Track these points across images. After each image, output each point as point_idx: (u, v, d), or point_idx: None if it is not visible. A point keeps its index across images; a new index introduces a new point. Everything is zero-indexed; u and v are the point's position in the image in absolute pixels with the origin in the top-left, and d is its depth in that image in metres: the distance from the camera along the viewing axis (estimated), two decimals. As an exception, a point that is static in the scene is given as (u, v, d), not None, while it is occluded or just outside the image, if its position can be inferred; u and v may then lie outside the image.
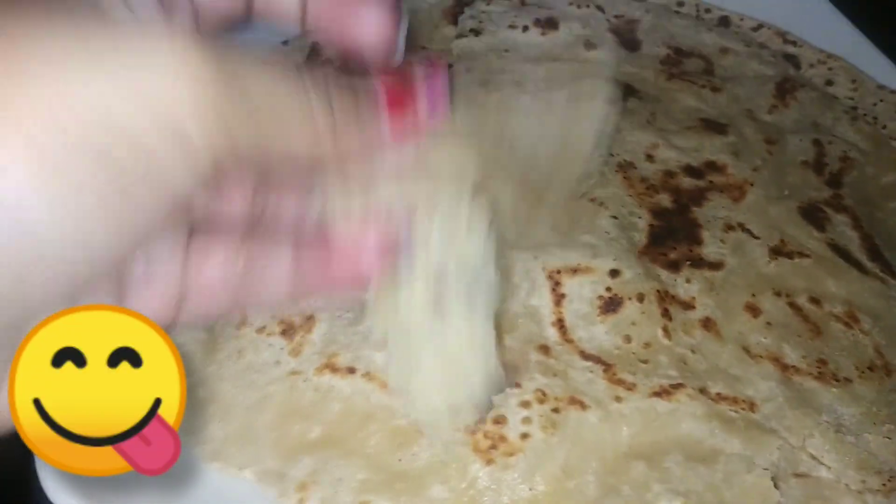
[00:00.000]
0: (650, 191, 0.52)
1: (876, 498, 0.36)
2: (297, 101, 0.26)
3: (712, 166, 0.55)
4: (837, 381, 0.42)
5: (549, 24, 0.69)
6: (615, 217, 0.49)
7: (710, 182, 0.54)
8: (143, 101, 0.23)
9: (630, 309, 0.43)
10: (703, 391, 0.40)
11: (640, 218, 0.50)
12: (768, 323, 0.45)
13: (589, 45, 0.68)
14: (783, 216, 0.52)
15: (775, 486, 0.36)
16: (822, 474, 0.38)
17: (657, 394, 0.39)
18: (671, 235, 0.49)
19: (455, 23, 0.70)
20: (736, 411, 0.39)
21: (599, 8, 0.71)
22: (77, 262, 0.24)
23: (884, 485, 0.37)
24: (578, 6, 0.71)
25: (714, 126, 0.59)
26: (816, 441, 0.39)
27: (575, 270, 0.44)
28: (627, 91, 0.61)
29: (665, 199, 0.52)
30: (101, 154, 0.23)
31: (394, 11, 0.31)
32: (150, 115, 0.23)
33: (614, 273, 0.44)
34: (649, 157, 0.55)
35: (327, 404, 0.39)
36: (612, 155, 0.54)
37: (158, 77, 0.23)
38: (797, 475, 0.37)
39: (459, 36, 0.69)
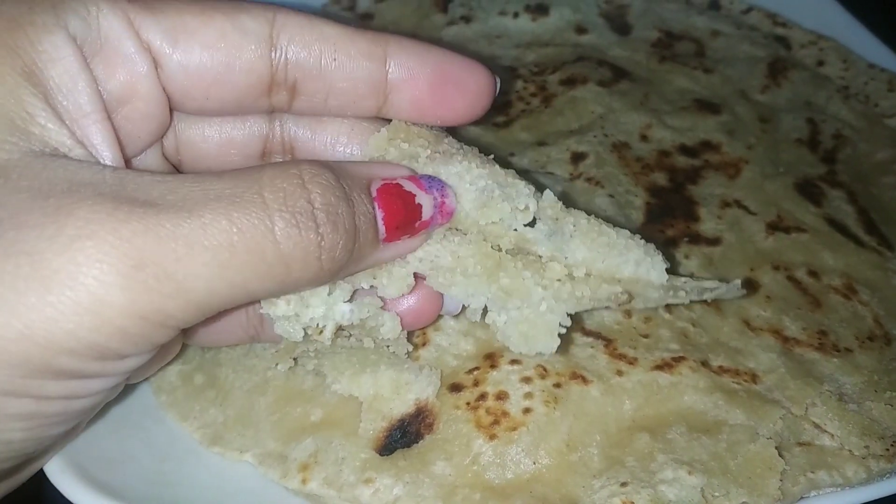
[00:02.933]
0: (646, 170, 0.52)
1: (879, 463, 0.36)
2: (257, 259, 0.25)
3: (707, 145, 0.55)
4: (838, 351, 0.42)
5: (540, 9, 0.69)
6: (611, 196, 0.49)
7: (705, 160, 0.54)
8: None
9: (629, 285, 0.43)
10: (704, 364, 0.40)
11: (636, 196, 0.50)
12: (767, 296, 0.45)
13: (580, 29, 0.68)
14: (779, 192, 0.52)
15: (779, 454, 0.35)
16: (825, 442, 0.37)
17: (659, 367, 0.39)
18: (668, 213, 0.49)
19: (445, 10, 0.70)
20: (738, 383, 0.39)
21: (590, -7, 0.72)
22: None
23: (887, 450, 0.37)
24: (568, -8, 0.71)
25: (707, 106, 0.59)
26: (819, 410, 0.38)
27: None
28: (619, 73, 0.61)
29: (661, 178, 0.52)
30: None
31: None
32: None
33: (612, 250, 0.44)
34: (644, 137, 0.55)
35: (329, 387, 0.39)
36: (606, 135, 0.54)
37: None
38: (800, 444, 0.37)
39: (450, 24, 0.69)
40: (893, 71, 0.65)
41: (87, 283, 0.23)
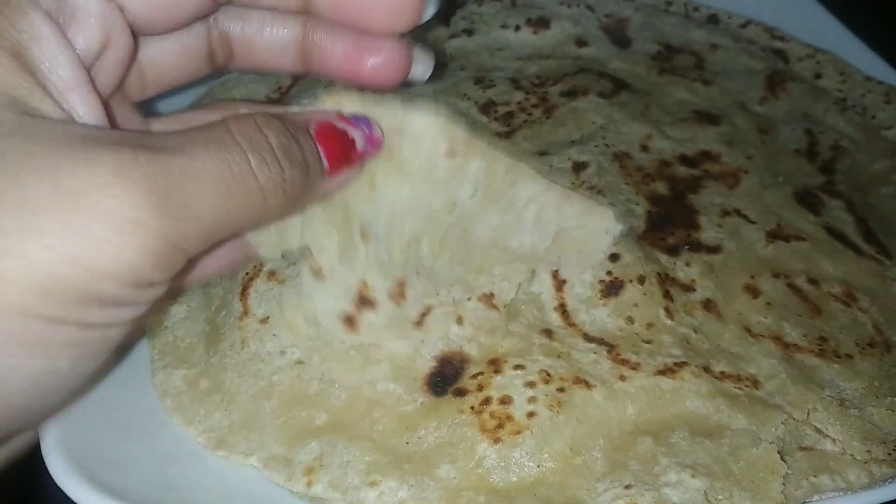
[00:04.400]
0: (646, 179, 0.53)
1: (881, 468, 0.36)
2: (244, 190, 0.30)
3: (706, 155, 0.56)
4: (839, 357, 0.42)
5: (541, 23, 0.70)
6: (613, 204, 0.49)
7: (705, 170, 0.55)
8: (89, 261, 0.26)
9: (631, 291, 0.43)
10: (706, 369, 0.40)
11: (637, 205, 0.50)
12: (768, 303, 0.45)
13: (580, 42, 0.69)
14: (778, 201, 0.53)
15: (782, 459, 0.36)
16: (827, 447, 0.38)
17: (661, 372, 0.39)
18: (669, 221, 0.49)
19: (448, 23, 0.71)
20: (740, 388, 0.40)
21: (589, 7, 0.73)
22: None
23: (889, 454, 0.37)
24: (569, 6, 0.72)
25: (706, 117, 0.60)
26: (821, 415, 0.39)
27: (575, 256, 0.44)
28: (620, 85, 0.62)
29: (661, 187, 0.52)
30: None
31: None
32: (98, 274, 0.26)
33: (615, 257, 0.44)
34: (644, 148, 0.56)
35: (333, 392, 0.39)
36: (607, 145, 0.55)
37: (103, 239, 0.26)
38: (802, 448, 0.37)
39: (452, 36, 0.70)
40: (890, 83, 0.66)
41: (126, 213, 0.26)
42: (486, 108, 0.60)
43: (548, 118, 0.59)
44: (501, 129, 0.58)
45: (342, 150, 0.34)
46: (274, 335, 0.41)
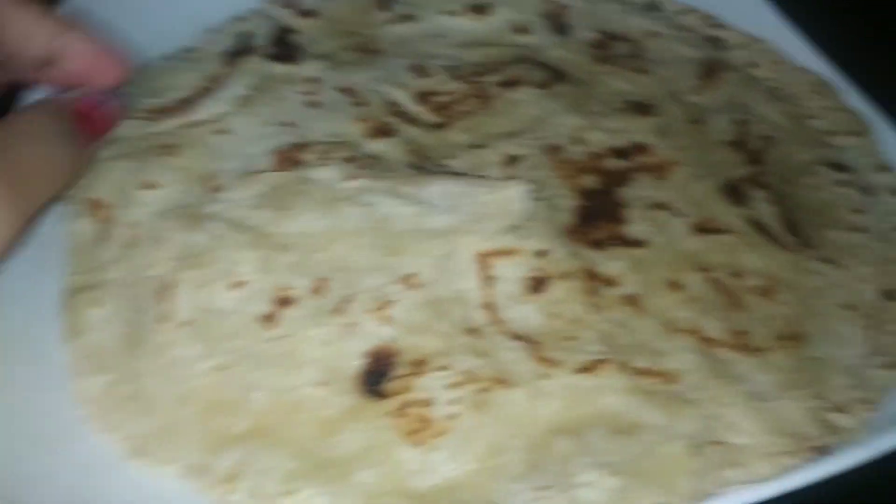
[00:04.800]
0: (577, 172, 0.53)
1: (788, 459, 0.38)
2: (61, 171, 0.39)
3: (638, 147, 0.56)
4: (755, 350, 0.44)
5: (481, 9, 0.69)
6: (543, 199, 0.49)
7: (636, 162, 0.55)
8: None
9: (557, 288, 0.44)
10: (626, 366, 0.41)
11: (567, 199, 0.51)
12: (690, 297, 0.46)
13: (520, 29, 0.69)
14: (706, 194, 0.53)
15: (693, 454, 0.37)
16: (738, 440, 0.39)
17: (582, 370, 0.40)
18: (597, 215, 0.50)
19: (386, 8, 0.70)
20: (658, 384, 0.41)
21: (531, -8, 0.72)
22: None
23: (796, 446, 0.38)
24: (510, -10, 0.71)
25: (640, 108, 0.60)
26: (734, 409, 0.40)
27: (502, 252, 0.45)
28: (557, 75, 0.62)
29: (591, 181, 0.53)
30: None
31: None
32: None
33: (541, 253, 0.45)
34: (577, 140, 0.56)
35: (255, 397, 0.39)
36: (541, 138, 0.55)
37: None
38: (714, 443, 0.38)
39: (391, 22, 0.69)
40: (819, 74, 0.67)
41: (5, 219, 0.33)
42: (422, 97, 0.60)
43: (485, 110, 0.59)
44: (437, 121, 0.58)
45: (94, 126, 0.43)
46: (194, 340, 0.41)
